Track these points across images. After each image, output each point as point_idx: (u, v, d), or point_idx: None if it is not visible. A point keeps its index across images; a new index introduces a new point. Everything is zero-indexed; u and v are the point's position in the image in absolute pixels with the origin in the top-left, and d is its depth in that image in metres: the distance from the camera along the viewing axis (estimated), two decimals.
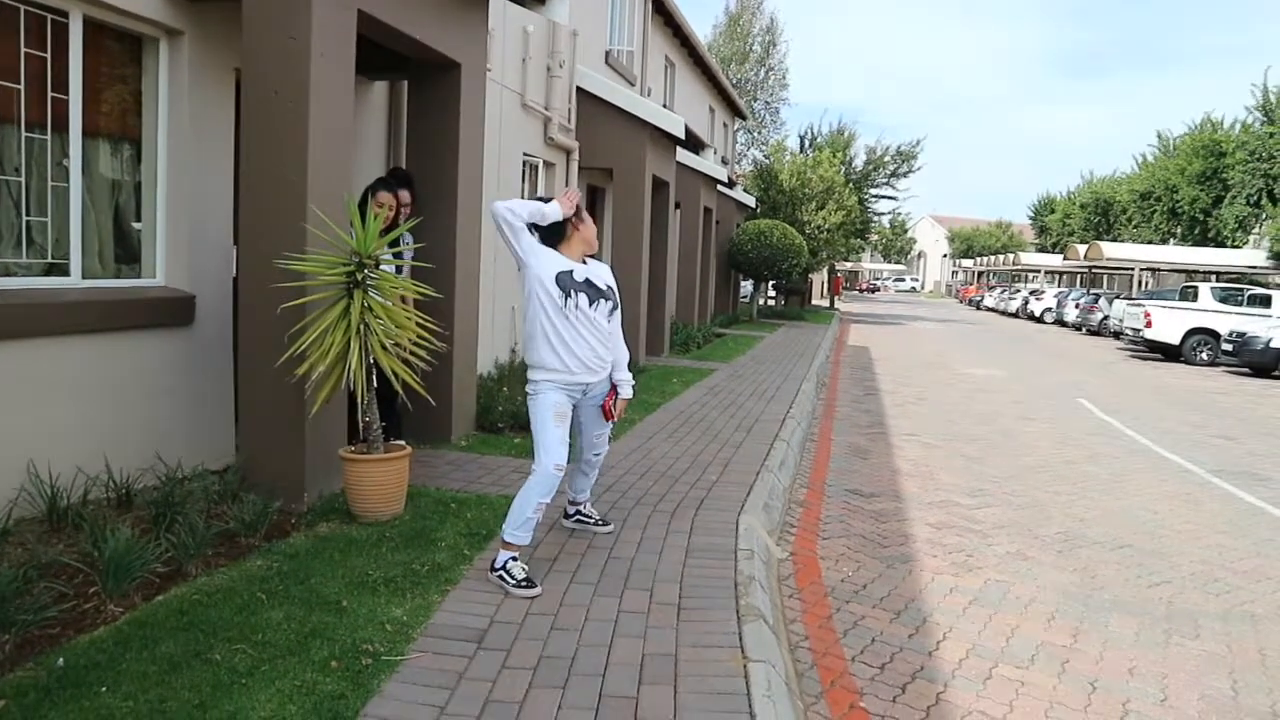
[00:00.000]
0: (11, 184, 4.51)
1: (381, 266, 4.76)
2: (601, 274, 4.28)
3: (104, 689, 2.88)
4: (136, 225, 5.28)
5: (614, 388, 4.43)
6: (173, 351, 5.22)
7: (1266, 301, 20.92)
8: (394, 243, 5.37)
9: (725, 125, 27.90)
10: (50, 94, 4.63)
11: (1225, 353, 19.07)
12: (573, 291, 4.10)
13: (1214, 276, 29.28)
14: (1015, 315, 39.16)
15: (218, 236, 5.51)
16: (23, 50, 4.47)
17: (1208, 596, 4.97)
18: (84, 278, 4.87)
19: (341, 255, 4.64)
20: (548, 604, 3.84)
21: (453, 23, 6.24)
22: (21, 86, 4.48)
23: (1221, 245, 31.37)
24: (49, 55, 4.60)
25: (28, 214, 4.62)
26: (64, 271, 4.79)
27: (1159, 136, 37.11)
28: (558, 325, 4.09)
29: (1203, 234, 32.39)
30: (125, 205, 5.23)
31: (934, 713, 3.48)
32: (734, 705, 3.07)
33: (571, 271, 4.14)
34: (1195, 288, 21.94)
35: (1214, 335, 19.95)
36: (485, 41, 6.89)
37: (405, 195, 5.88)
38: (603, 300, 4.21)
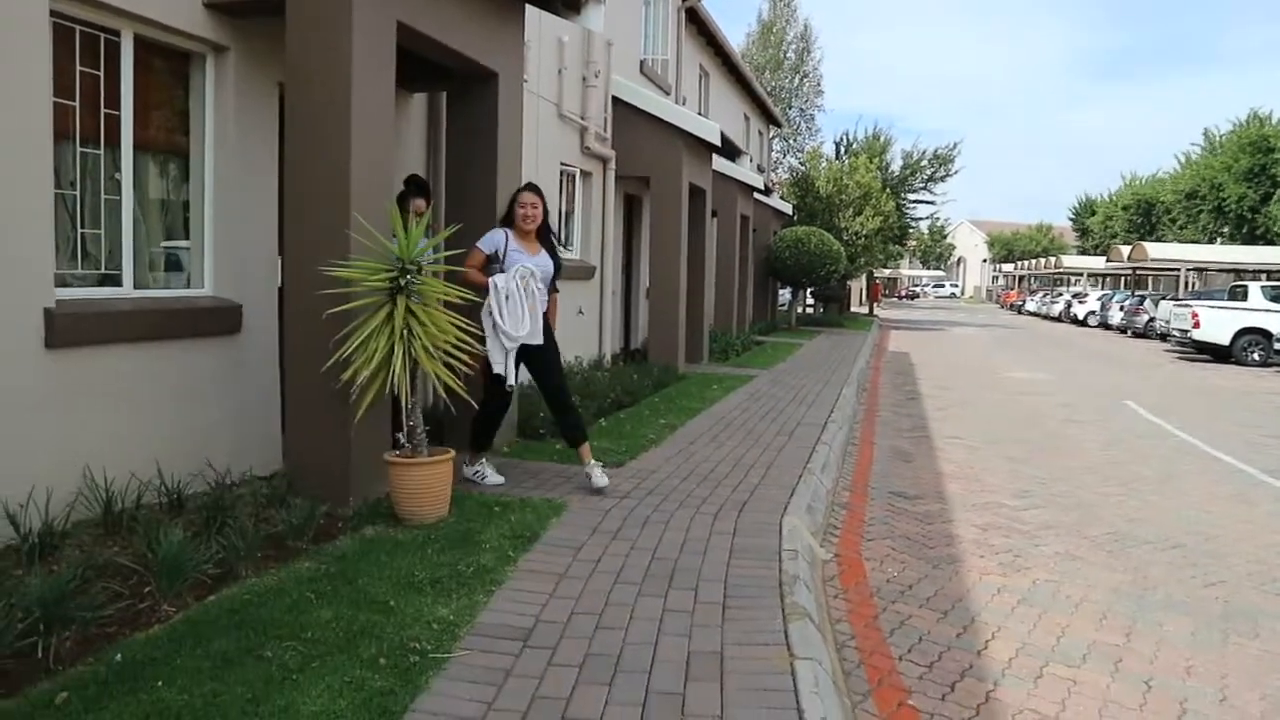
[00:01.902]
0: (67, 198, 4.64)
1: None
2: None
3: (160, 683, 2.94)
4: (184, 242, 5.41)
5: None
6: (220, 360, 5.33)
7: None
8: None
9: (760, 133, 27.88)
10: (103, 110, 4.76)
11: (1278, 353, 18.61)
12: None
13: (1264, 275, 28.61)
14: (1058, 319, 38.58)
15: (263, 246, 5.63)
16: (78, 69, 4.61)
17: (1266, 596, 4.85)
18: (135, 288, 5.00)
19: (384, 262, 4.71)
20: (593, 604, 3.85)
21: (490, 33, 6.32)
22: (76, 103, 4.61)
23: (1271, 243, 30.65)
24: (102, 73, 4.73)
25: (82, 226, 4.75)
26: (116, 282, 4.91)
27: (1205, 135, 36.42)
28: None
29: (1251, 232, 31.68)
30: (174, 216, 5.36)
31: (984, 711, 3.43)
32: (781, 702, 3.05)
33: None
34: (1245, 287, 21.47)
35: (1266, 335, 19.49)
36: (522, 51, 6.97)
37: (419, 204, 6.01)
38: None
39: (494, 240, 5.56)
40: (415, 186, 6.19)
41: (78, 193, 4.70)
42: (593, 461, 5.72)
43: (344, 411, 4.84)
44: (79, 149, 4.67)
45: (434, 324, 4.74)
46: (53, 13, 4.33)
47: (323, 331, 4.76)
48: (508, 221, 5.64)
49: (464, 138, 6.66)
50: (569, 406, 5.79)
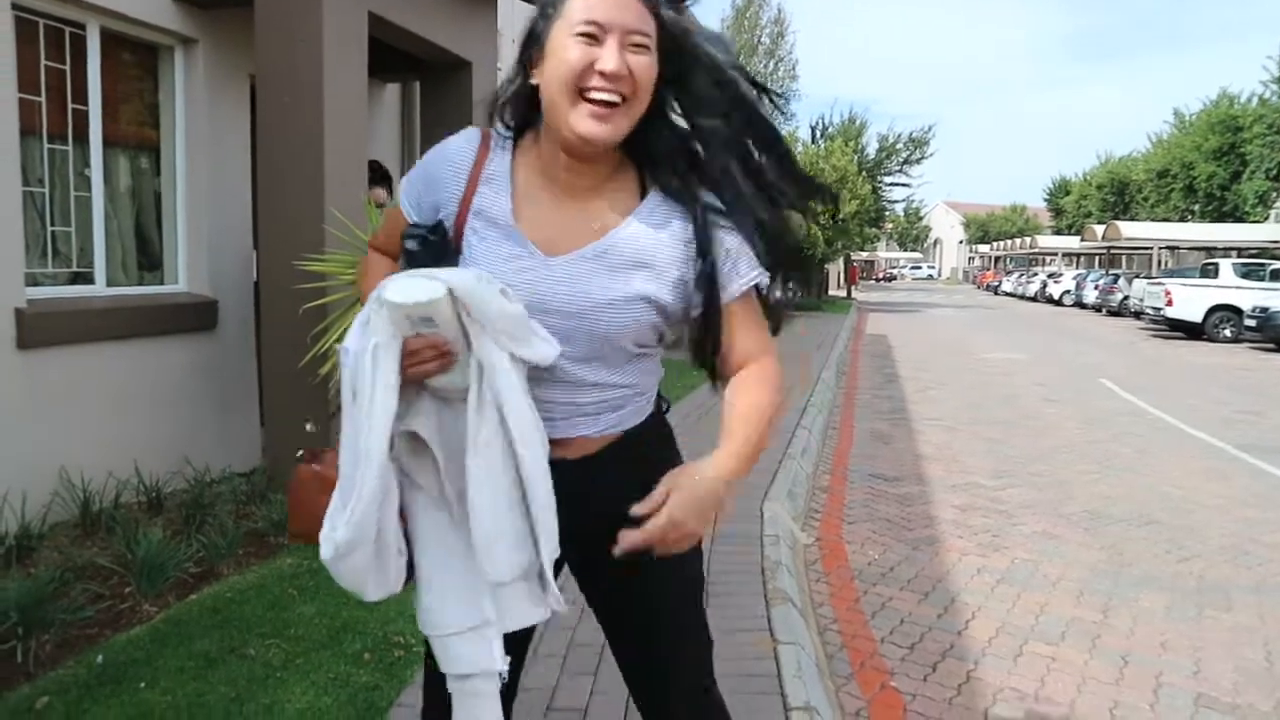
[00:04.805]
0: (36, 195, 4.58)
1: None
2: None
3: (143, 684, 2.93)
4: (158, 232, 5.35)
5: None
6: (197, 356, 5.29)
7: None
8: None
9: None
10: (70, 105, 4.69)
11: (1249, 329, 18.87)
12: None
13: (1235, 252, 28.96)
14: (1034, 299, 38.92)
15: (237, 241, 5.57)
16: (43, 63, 4.54)
17: (1239, 569, 4.93)
18: (108, 285, 4.94)
19: (361, 254, 4.68)
20: (575, 593, 3.86)
21: (463, 22, 6.27)
22: (42, 99, 4.55)
23: (1240, 221, 31.04)
24: (68, 67, 4.66)
25: (52, 224, 4.69)
26: (89, 280, 4.85)
27: (1176, 115, 36.77)
28: None
29: (1220, 210, 32.07)
30: (146, 213, 5.30)
31: (965, 690, 3.47)
32: (764, 687, 3.08)
33: None
34: (1216, 264, 21.73)
35: (1237, 312, 19.72)
36: (496, 40, 6.92)
37: (379, 193, 5.87)
38: None
39: (436, 168, 1.58)
40: (376, 174, 6.09)
41: (46, 190, 4.64)
42: None
43: (323, 406, 4.82)
44: (46, 145, 4.61)
45: None
46: (15, 6, 4.26)
47: (300, 325, 4.73)
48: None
49: (438, 128, 6.61)
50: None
